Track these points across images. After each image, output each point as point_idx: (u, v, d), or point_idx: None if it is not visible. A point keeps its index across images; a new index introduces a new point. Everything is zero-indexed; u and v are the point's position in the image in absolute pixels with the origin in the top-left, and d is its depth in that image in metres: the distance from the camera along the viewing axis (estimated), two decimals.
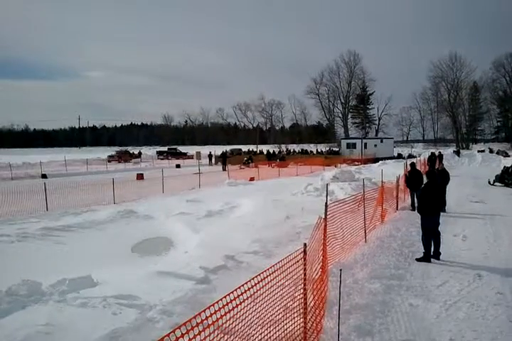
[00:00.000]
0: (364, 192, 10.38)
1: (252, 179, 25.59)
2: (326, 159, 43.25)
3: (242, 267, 7.56)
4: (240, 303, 3.34)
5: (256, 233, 9.85)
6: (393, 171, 19.32)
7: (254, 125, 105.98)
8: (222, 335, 3.24)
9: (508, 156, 43.71)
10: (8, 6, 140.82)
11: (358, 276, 7.09)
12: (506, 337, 4.91)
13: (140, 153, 60.69)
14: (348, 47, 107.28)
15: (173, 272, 6.97)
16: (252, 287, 3.50)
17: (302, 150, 62.26)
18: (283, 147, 73.31)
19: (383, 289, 6.49)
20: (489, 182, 21.09)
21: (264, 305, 3.87)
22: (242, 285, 3.40)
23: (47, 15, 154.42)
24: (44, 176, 29.84)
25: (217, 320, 3.04)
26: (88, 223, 12.01)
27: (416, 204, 9.48)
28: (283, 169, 32.81)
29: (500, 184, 20.46)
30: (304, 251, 4.37)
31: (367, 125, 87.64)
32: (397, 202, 13.84)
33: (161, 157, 59.89)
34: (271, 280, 3.85)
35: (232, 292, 3.27)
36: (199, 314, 2.88)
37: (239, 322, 3.46)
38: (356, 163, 41.33)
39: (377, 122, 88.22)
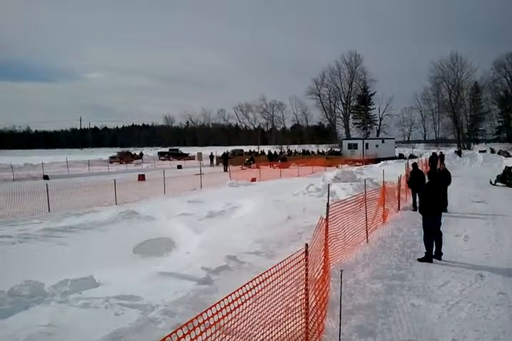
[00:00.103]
0: (365, 192, 10.37)
1: (253, 180, 25.60)
2: (328, 160, 43.27)
3: (243, 267, 7.57)
4: (242, 304, 3.34)
5: (258, 233, 9.85)
6: (395, 171, 19.32)
7: (256, 126, 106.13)
8: (224, 336, 3.24)
9: (510, 156, 43.68)
10: (8, 7, 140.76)
11: (360, 276, 7.08)
12: (508, 337, 4.91)
13: (141, 154, 60.86)
14: (349, 48, 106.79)
15: (175, 273, 6.98)
16: (254, 287, 3.50)
17: (303, 150, 62.38)
18: (284, 148, 73.32)
19: (385, 289, 6.49)
20: (491, 183, 21.07)
21: (266, 305, 3.87)
22: (244, 286, 3.41)
23: (46, 15, 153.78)
24: (46, 177, 29.85)
25: (219, 320, 3.03)
26: (90, 224, 12.01)
27: (417, 205, 9.49)
28: (284, 170, 32.80)
29: (501, 184, 20.44)
30: (306, 252, 4.38)
31: (368, 125, 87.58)
32: (399, 202, 13.83)
33: (163, 158, 60.04)
34: (273, 281, 3.85)
35: (233, 292, 3.27)
36: (201, 314, 2.88)
37: (241, 323, 3.46)
38: (358, 164, 41.33)
39: (378, 122, 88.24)
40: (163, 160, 58.02)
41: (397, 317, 5.49)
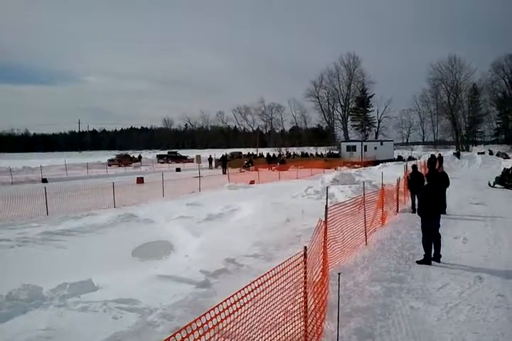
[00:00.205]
0: (364, 194, 10.38)
1: (252, 182, 25.61)
2: (326, 162, 43.30)
3: (242, 270, 7.57)
4: (241, 307, 3.34)
5: (256, 236, 9.84)
6: (393, 173, 19.29)
7: (254, 128, 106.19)
8: (222, 339, 3.25)
9: (508, 158, 43.61)
10: (7, 10, 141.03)
11: (359, 279, 7.08)
12: (507, 339, 4.91)
13: (140, 157, 60.83)
14: (348, 49, 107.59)
15: (173, 276, 6.98)
16: (253, 290, 3.50)
17: (302, 153, 62.33)
18: (283, 150, 73.41)
19: (384, 292, 6.49)
20: (489, 184, 21.09)
21: (265, 308, 3.86)
22: (243, 289, 3.40)
23: (46, 16, 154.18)
24: (44, 180, 29.85)
25: (218, 323, 3.03)
26: (88, 227, 12.00)
27: (417, 207, 9.50)
28: (283, 172, 32.81)
29: (500, 186, 20.45)
30: (305, 254, 4.37)
31: (367, 127, 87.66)
32: (398, 204, 13.83)
33: (161, 161, 59.94)
34: (271, 284, 3.84)
35: (232, 295, 3.27)
36: (199, 318, 2.88)
37: (239, 326, 3.45)
38: (356, 166, 41.30)
39: (377, 125, 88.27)
40: (161, 162, 57.91)
41: (396, 320, 5.49)
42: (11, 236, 10.85)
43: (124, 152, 72.12)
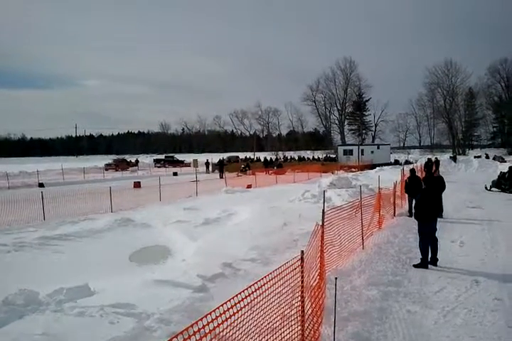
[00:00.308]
0: (361, 198, 10.39)
1: (249, 186, 25.59)
2: (323, 166, 43.33)
3: (239, 275, 7.56)
4: (238, 311, 3.33)
5: (253, 240, 9.84)
6: (390, 177, 19.36)
7: (251, 132, 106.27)
8: None
9: (505, 162, 43.75)
10: (4, 14, 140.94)
11: (356, 283, 7.08)
12: None
13: (137, 161, 60.78)
14: (347, 51, 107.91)
15: (170, 280, 6.96)
16: (250, 295, 3.50)
17: (299, 157, 62.46)
18: (280, 154, 73.57)
19: (381, 296, 6.49)
20: (486, 188, 21.15)
21: (262, 313, 3.86)
22: (240, 293, 3.40)
23: (44, 17, 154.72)
24: (41, 185, 29.76)
25: (215, 328, 3.03)
26: (85, 232, 11.96)
27: (413, 211, 9.52)
28: (280, 176, 32.80)
29: (497, 189, 20.52)
30: (302, 259, 4.38)
31: (363, 131, 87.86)
32: (395, 208, 13.86)
33: (158, 165, 59.93)
34: (268, 288, 3.85)
35: (229, 300, 3.27)
36: (196, 322, 2.88)
37: (236, 331, 3.45)
38: (353, 170, 41.35)
39: (373, 129, 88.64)
40: (158, 167, 57.88)
41: (393, 324, 5.49)
42: (7, 240, 10.81)
43: (120, 156, 71.94)
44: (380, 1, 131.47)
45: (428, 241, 8.16)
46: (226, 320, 3.17)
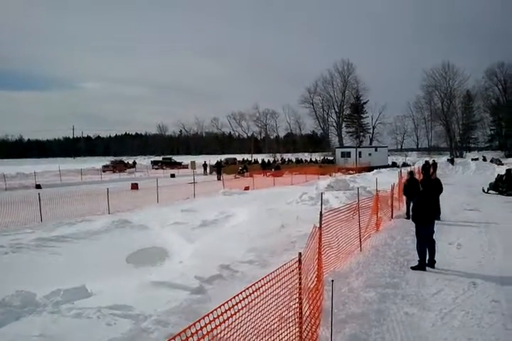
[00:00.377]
0: (359, 200, 10.40)
1: (246, 188, 25.59)
2: (321, 168, 43.39)
3: (237, 277, 7.55)
4: (235, 313, 3.33)
5: (251, 242, 9.83)
6: (388, 180, 19.37)
7: (249, 134, 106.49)
8: None
9: (502, 164, 43.85)
10: (3, 15, 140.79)
11: (354, 285, 7.07)
12: None
13: (135, 163, 60.70)
14: (346, 53, 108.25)
15: (167, 282, 6.94)
16: (247, 296, 3.49)
17: (297, 159, 62.60)
18: (278, 156, 73.56)
19: (378, 298, 6.49)
20: (483, 190, 21.18)
21: (260, 314, 3.85)
22: (237, 295, 3.40)
23: (43, 18, 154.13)
24: (38, 186, 29.67)
25: (212, 330, 3.02)
26: (83, 233, 11.92)
27: (411, 213, 9.53)
28: (278, 178, 32.78)
29: (494, 192, 20.54)
30: (299, 261, 4.38)
31: (361, 134, 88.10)
32: (392, 210, 13.86)
33: (156, 167, 59.86)
34: (266, 290, 3.84)
35: (227, 302, 3.27)
36: (194, 324, 2.87)
37: (234, 332, 3.44)
38: (351, 172, 41.35)
39: (371, 131, 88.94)
40: (156, 169, 57.81)
41: (390, 326, 5.49)
42: (4, 242, 10.77)
43: (118, 158, 72.03)
44: (379, 3, 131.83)
45: (425, 244, 8.16)
46: (224, 321, 3.16)
